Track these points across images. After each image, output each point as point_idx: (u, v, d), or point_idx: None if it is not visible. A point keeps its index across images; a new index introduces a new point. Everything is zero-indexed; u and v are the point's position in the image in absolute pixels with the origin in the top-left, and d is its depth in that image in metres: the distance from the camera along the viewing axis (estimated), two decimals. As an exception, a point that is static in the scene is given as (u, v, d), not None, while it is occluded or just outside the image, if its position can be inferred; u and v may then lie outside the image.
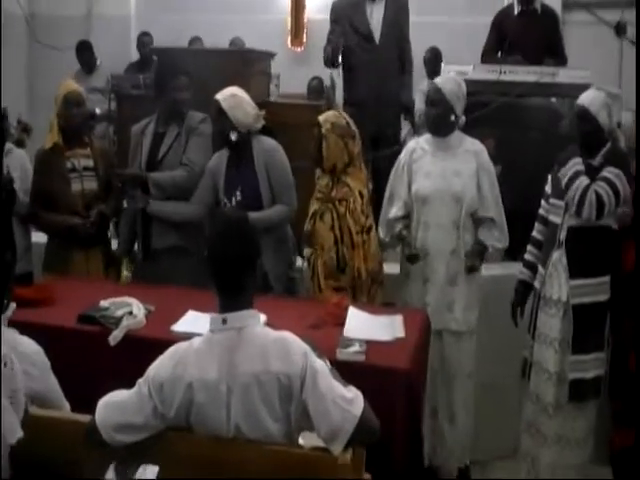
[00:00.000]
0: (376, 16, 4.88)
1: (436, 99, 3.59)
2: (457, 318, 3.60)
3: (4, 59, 6.83)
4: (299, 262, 3.88)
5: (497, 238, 3.60)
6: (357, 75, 4.95)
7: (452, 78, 3.70)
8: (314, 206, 3.64)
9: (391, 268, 3.86)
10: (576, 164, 3.33)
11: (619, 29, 4.76)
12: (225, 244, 2.07)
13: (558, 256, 3.39)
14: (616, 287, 3.36)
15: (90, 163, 3.86)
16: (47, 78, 7.46)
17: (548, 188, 3.54)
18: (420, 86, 6.58)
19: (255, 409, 2.00)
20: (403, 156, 3.74)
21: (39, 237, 4.10)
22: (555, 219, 3.44)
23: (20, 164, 3.92)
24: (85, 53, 7.08)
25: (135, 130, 3.94)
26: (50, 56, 7.29)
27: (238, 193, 3.69)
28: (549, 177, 3.56)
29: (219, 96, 3.66)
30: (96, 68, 7.07)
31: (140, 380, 2.09)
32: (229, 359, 2.02)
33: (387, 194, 3.75)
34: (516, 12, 5.05)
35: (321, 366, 2.04)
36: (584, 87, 4.11)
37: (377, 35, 4.87)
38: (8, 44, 7.12)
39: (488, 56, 5.00)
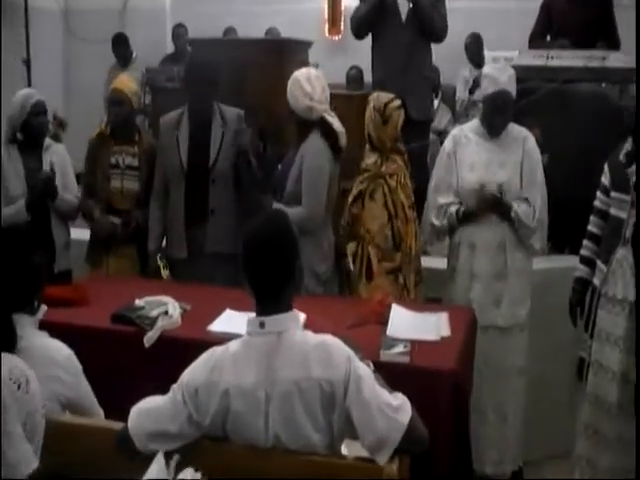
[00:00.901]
0: None
1: (503, 106, 3.39)
2: (504, 313, 3.46)
3: (40, 54, 6.85)
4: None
5: (526, 213, 3.42)
6: (383, 55, 4.82)
7: (508, 70, 3.44)
8: (359, 187, 3.54)
9: (436, 263, 3.73)
10: None
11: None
12: (261, 246, 1.95)
13: (624, 253, 3.18)
14: None
15: (135, 162, 3.80)
16: (83, 72, 7.51)
17: (606, 180, 3.33)
18: (462, 72, 6.42)
19: (295, 418, 1.89)
20: (447, 144, 3.59)
21: (78, 234, 4.04)
22: (619, 214, 3.23)
23: (59, 159, 3.85)
24: (121, 46, 7.07)
25: (167, 124, 3.78)
26: (86, 50, 7.32)
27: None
28: (606, 168, 3.37)
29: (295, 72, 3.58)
30: (132, 61, 7.07)
31: (174, 386, 1.99)
32: (268, 365, 1.90)
33: (433, 184, 3.61)
34: None
35: (365, 371, 1.91)
36: (634, 71, 3.93)
37: (404, 15, 4.72)
38: (44, 39, 7.12)
39: (536, 40, 4.82)
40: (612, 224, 3.28)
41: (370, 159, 3.55)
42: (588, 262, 3.41)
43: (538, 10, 4.97)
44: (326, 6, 7.55)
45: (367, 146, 3.59)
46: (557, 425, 3.71)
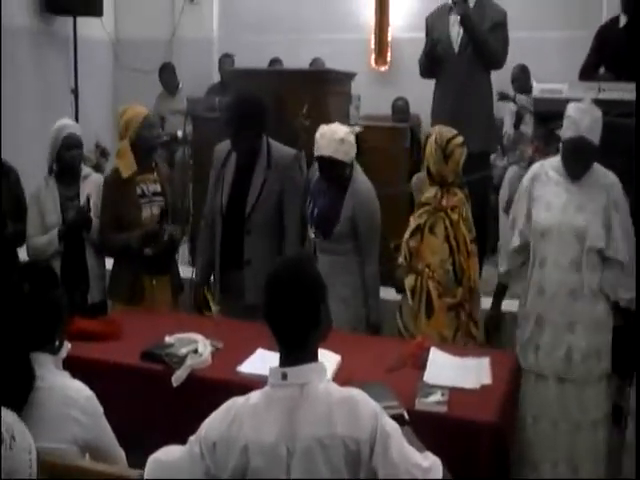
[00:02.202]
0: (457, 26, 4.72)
1: (581, 153, 3.17)
2: (576, 367, 3.19)
3: (89, 84, 6.91)
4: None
5: (628, 286, 3.17)
6: (440, 87, 4.80)
7: (592, 112, 3.17)
8: (418, 220, 3.45)
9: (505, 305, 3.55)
10: None
11: None
12: (283, 290, 1.83)
13: None
14: None
15: (158, 188, 3.74)
16: (131, 102, 7.55)
17: None
18: (509, 105, 6.27)
19: (319, 476, 1.76)
20: (526, 180, 3.38)
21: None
22: None
23: (97, 189, 3.82)
24: (167, 75, 7.12)
25: (218, 155, 3.68)
26: (134, 80, 7.36)
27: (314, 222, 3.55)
28: None
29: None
30: (178, 91, 7.08)
31: (192, 438, 1.89)
32: (290, 420, 1.78)
33: (510, 221, 3.45)
34: (622, 24, 4.67)
35: (393, 428, 1.78)
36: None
37: (457, 45, 4.70)
38: (92, 69, 7.18)
39: (588, 73, 4.64)
40: None
41: (430, 192, 3.46)
42: None
43: (589, 40, 4.81)
44: (373, 36, 7.48)
45: (426, 179, 3.51)
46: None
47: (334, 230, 3.51)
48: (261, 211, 3.56)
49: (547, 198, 3.26)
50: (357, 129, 3.59)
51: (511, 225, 3.43)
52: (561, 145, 3.26)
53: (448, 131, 3.48)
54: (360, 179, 3.54)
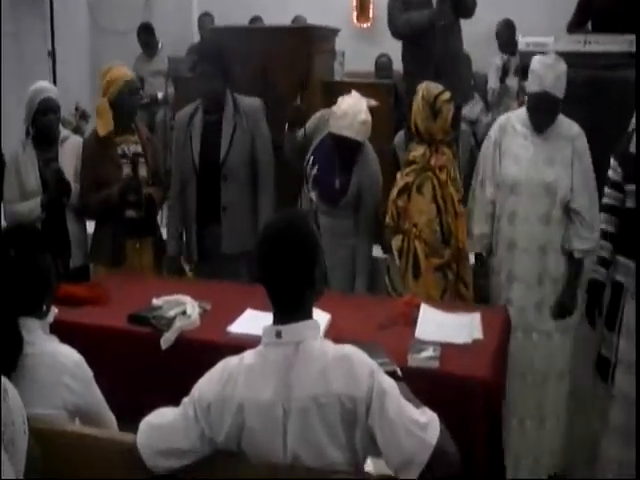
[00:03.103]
0: None
1: (546, 107, 3.18)
2: (546, 319, 3.28)
3: (66, 45, 6.77)
4: None
5: (584, 237, 3.22)
6: (414, 43, 4.66)
7: (557, 67, 3.16)
8: (405, 179, 3.38)
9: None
10: None
11: None
12: (278, 252, 1.79)
13: None
14: None
15: (139, 149, 3.68)
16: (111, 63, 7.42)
17: (616, 175, 3.18)
18: (494, 60, 6.21)
19: (315, 435, 1.74)
20: (493, 133, 3.37)
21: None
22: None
23: (77, 152, 3.74)
24: (146, 35, 6.99)
25: (180, 119, 3.71)
26: (112, 41, 7.22)
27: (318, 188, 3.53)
28: (613, 162, 3.20)
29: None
30: (157, 51, 6.96)
31: (185, 400, 1.86)
32: (285, 379, 1.76)
33: (479, 177, 3.41)
34: None
35: (390, 386, 1.76)
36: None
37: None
38: (69, 31, 7.02)
39: (575, 26, 4.57)
40: (632, 218, 3.11)
41: (418, 151, 3.38)
42: (604, 263, 3.23)
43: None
44: (355, -7, 7.37)
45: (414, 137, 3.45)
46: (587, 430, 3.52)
47: (340, 202, 3.50)
48: (235, 156, 3.56)
49: (515, 151, 3.27)
50: (372, 102, 3.48)
51: (481, 182, 3.38)
52: (526, 98, 3.26)
53: (435, 87, 3.39)
54: (367, 151, 3.49)
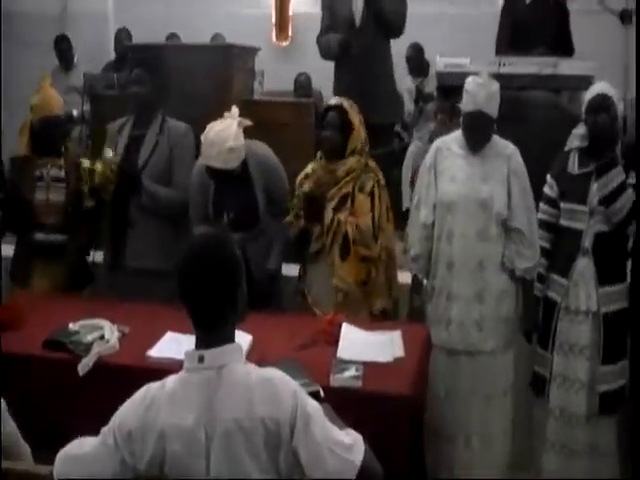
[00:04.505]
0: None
1: (479, 126, 3.23)
2: (486, 338, 3.27)
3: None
4: None
5: (525, 256, 3.24)
6: (342, 62, 4.73)
7: (489, 86, 3.22)
8: (344, 190, 3.34)
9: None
10: (619, 174, 3.13)
11: (624, 17, 4.50)
12: (199, 272, 1.76)
13: (584, 264, 3.20)
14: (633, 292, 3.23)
15: (61, 174, 3.61)
16: (22, 78, 7.21)
17: (552, 192, 3.30)
18: (406, 83, 6.33)
19: (238, 459, 1.72)
20: (429, 157, 3.40)
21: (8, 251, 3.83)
22: (572, 224, 3.21)
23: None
24: (63, 48, 6.79)
25: (111, 129, 3.71)
26: (25, 56, 7.02)
27: (230, 212, 3.42)
28: (549, 179, 3.32)
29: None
30: (74, 66, 6.79)
31: (104, 429, 1.80)
32: (208, 403, 1.73)
33: (415, 200, 3.43)
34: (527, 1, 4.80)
35: (314, 408, 1.75)
36: (586, 79, 3.91)
37: (359, 19, 4.66)
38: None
39: (503, 45, 4.71)
40: (566, 236, 3.24)
41: (351, 161, 3.34)
42: (540, 279, 3.33)
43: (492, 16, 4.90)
44: (274, 12, 7.39)
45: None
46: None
47: (257, 225, 3.44)
48: (150, 172, 3.53)
49: (451, 171, 3.31)
50: (246, 122, 3.29)
51: (416, 205, 3.41)
52: (461, 119, 3.32)
53: (345, 100, 3.39)
54: (253, 157, 3.38)
